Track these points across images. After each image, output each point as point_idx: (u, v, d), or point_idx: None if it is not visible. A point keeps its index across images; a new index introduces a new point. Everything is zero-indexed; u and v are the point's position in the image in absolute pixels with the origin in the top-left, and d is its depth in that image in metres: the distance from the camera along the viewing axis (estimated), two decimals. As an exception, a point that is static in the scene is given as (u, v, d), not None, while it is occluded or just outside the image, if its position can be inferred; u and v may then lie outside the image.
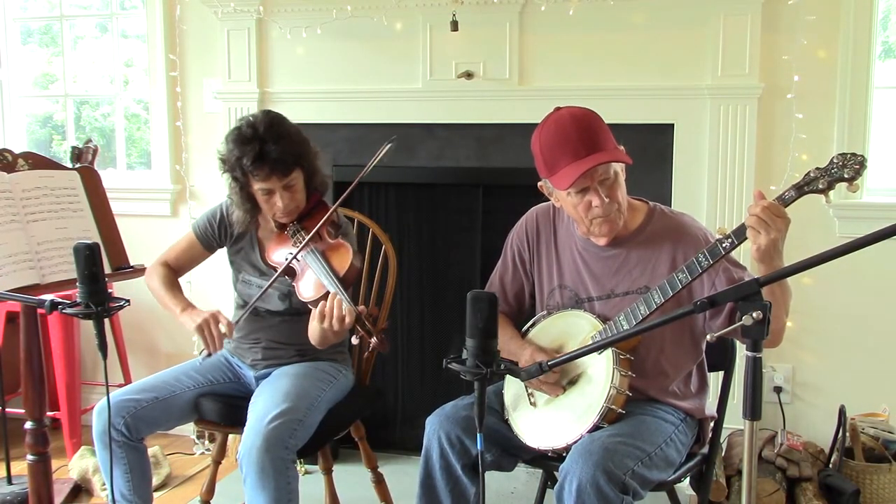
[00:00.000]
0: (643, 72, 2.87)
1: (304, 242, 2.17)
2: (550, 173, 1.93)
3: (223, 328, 2.16)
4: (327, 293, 2.07)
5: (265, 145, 2.14)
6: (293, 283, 2.22)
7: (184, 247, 2.44)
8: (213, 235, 2.41)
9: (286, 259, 2.19)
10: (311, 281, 2.16)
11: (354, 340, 2.00)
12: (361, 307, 2.02)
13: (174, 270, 2.43)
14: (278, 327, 2.37)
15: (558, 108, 1.95)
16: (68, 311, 1.66)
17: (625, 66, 2.89)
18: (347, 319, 1.97)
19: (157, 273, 2.40)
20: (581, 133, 1.87)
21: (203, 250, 2.43)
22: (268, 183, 2.18)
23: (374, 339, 1.96)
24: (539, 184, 2.02)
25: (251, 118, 2.22)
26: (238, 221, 2.33)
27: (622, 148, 1.94)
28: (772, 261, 1.69)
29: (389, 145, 2.15)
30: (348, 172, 3.21)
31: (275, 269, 2.26)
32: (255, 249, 2.38)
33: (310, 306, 2.14)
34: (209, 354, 2.22)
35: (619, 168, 1.93)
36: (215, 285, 3.09)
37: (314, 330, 2.14)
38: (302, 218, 2.28)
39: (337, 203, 2.24)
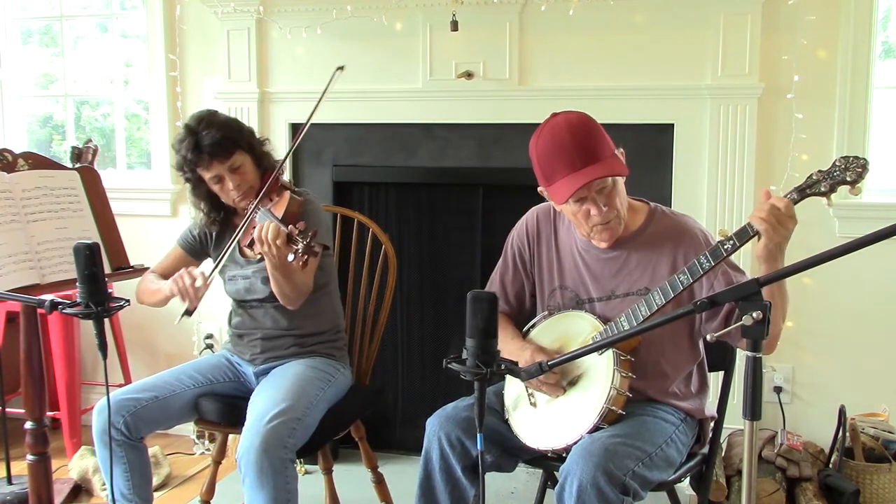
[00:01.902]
0: (643, 72, 2.87)
1: (254, 205, 2.25)
2: (548, 184, 1.92)
3: (198, 282, 2.18)
4: None
5: (198, 135, 2.25)
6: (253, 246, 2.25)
7: (171, 259, 2.50)
8: (195, 243, 2.49)
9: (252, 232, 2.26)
10: None
11: (290, 258, 2.04)
12: (292, 226, 2.06)
13: (163, 277, 2.45)
14: (272, 315, 2.39)
15: (555, 114, 1.92)
16: (68, 311, 1.66)
17: (625, 66, 2.89)
18: (272, 233, 2.03)
19: (145, 278, 2.43)
20: (577, 142, 1.85)
21: (191, 259, 2.49)
22: (212, 169, 2.27)
23: (300, 245, 1.99)
24: (539, 188, 2.01)
25: (186, 121, 2.34)
26: (199, 223, 2.43)
27: (621, 151, 1.93)
28: (775, 260, 1.69)
29: (339, 71, 2.26)
30: (348, 172, 3.22)
31: (248, 255, 2.33)
32: (235, 248, 2.40)
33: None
34: (188, 312, 2.23)
35: None
36: (215, 290, 3.08)
37: (272, 282, 2.24)
38: (260, 196, 2.32)
39: (284, 158, 2.35)
